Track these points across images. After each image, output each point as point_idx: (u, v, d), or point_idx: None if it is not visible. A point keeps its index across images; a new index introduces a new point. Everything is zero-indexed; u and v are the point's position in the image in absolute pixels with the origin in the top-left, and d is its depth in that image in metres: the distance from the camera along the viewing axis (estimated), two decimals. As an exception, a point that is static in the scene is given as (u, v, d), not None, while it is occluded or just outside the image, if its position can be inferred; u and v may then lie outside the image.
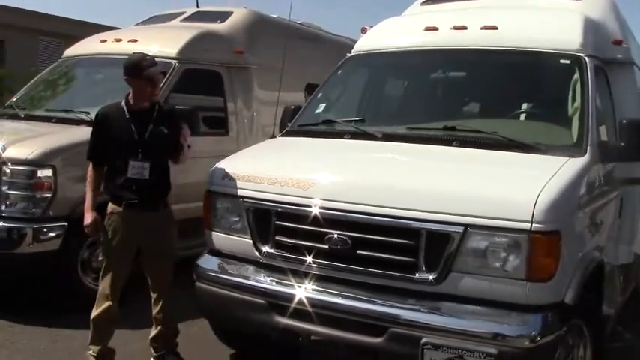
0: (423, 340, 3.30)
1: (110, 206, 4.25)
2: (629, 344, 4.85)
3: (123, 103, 4.25)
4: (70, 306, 5.39)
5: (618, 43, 5.05)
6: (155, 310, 4.41)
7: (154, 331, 4.45)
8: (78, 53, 7.45)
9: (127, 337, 4.79)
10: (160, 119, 4.24)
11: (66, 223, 5.46)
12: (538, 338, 3.22)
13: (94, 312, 4.26)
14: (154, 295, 4.39)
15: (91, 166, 4.31)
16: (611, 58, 4.89)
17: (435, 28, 4.95)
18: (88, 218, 4.23)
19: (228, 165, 4.22)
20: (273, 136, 4.92)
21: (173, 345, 4.49)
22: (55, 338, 5.04)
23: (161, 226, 4.28)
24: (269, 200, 3.83)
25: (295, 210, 3.72)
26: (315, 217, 3.65)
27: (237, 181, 4.01)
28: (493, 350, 3.19)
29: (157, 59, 6.17)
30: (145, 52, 6.25)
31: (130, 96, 4.25)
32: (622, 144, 4.07)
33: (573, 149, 3.88)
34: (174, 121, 4.35)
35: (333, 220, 3.60)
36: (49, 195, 5.39)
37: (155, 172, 4.17)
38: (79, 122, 6.03)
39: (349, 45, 9.84)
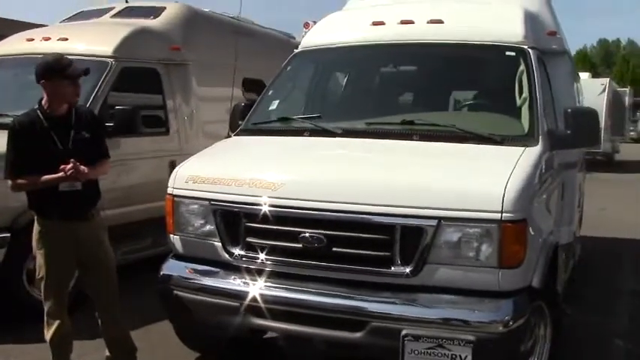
0: (403, 332, 3.38)
1: (39, 222, 3.99)
2: (577, 320, 5.13)
3: (37, 111, 3.94)
4: (17, 319, 5.18)
5: (553, 34, 5.32)
6: (106, 332, 4.19)
7: (108, 353, 4.24)
8: (2, 53, 7.06)
9: (85, 348, 4.65)
10: (79, 123, 3.98)
11: (8, 234, 5.24)
12: (511, 323, 3.37)
13: (47, 333, 4.05)
14: (101, 316, 4.15)
15: (10, 182, 3.95)
16: (547, 48, 5.12)
17: (382, 23, 5.02)
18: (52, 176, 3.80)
19: (191, 167, 4.15)
20: (228, 136, 4.86)
21: None
22: (7, 355, 4.83)
23: (95, 233, 4.07)
24: (238, 202, 3.79)
25: (266, 211, 3.70)
26: (288, 216, 3.66)
27: (203, 184, 3.95)
28: (471, 337, 3.31)
29: (92, 58, 6.12)
30: (78, 52, 6.15)
31: (44, 101, 3.94)
32: (568, 132, 4.27)
33: (526, 139, 4.05)
34: (94, 124, 4.13)
35: (306, 219, 3.62)
36: (-12, 206, 5.13)
37: (85, 180, 3.91)
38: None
39: (283, 39, 9.94)
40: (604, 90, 21.55)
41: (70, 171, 3.76)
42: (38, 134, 3.89)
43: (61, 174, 3.77)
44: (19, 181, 3.92)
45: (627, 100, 26.98)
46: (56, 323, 4.02)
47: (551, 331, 4.01)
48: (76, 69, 3.93)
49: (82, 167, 3.80)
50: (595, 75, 36.57)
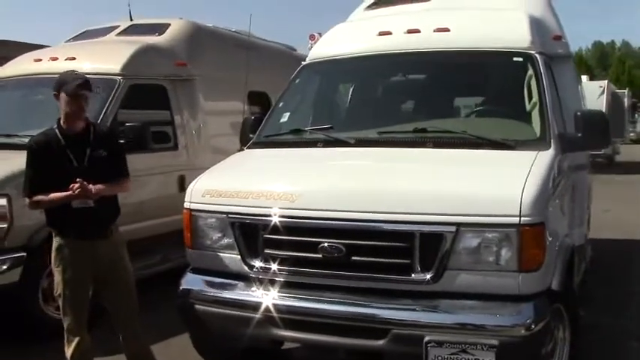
0: (426, 338, 3.40)
1: (56, 240, 4.01)
2: (591, 321, 5.15)
3: (55, 129, 3.99)
4: (33, 338, 5.20)
5: (558, 38, 5.37)
6: (127, 348, 4.20)
7: None
8: (10, 74, 7.11)
9: (105, 365, 4.67)
10: (97, 141, 4.01)
11: (24, 253, 5.27)
12: (533, 326, 3.40)
13: (68, 350, 4.06)
14: (122, 331, 4.17)
15: (27, 200, 4.01)
16: (553, 53, 5.17)
17: (389, 33, 5.08)
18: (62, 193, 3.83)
19: (207, 181, 4.18)
20: (240, 149, 4.89)
21: None
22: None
23: (113, 251, 4.09)
24: (256, 214, 3.83)
25: (285, 222, 3.74)
26: (307, 227, 3.70)
27: (220, 198, 3.98)
28: (494, 342, 3.34)
29: (100, 76, 6.17)
30: (87, 71, 6.20)
31: (62, 120, 4.00)
32: (579, 134, 4.31)
33: (539, 143, 4.09)
34: (113, 142, 4.16)
35: (325, 229, 3.65)
36: (4, 225, 5.17)
37: (100, 198, 3.92)
38: (24, 147, 5.76)
39: (284, 51, 10.00)
40: (603, 92, 21.67)
41: (78, 190, 3.79)
42: (55, 152, 3.94)
43: (70, 192, 3.81)
44: (35, 198, 3.97)
45: (626, 101, 27.09)
46: (76, 340, 4.03)
47: (570, 334, 4.03)
48: (72, 85, 3.88)
49: (91, 186, 3.81)
50: (591, 77, 36.72)
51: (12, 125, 6.39)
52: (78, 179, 3.79)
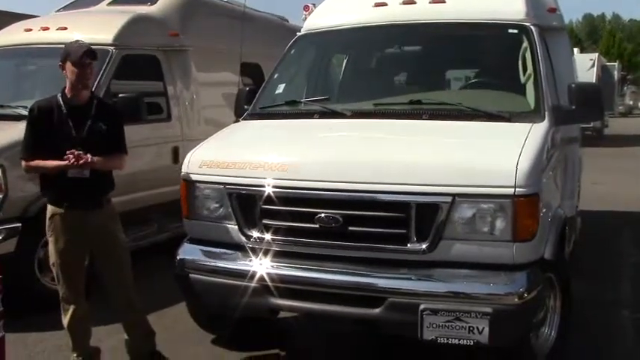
0: (422, 306, 3.47)
1: (50, 209, 4.05)
2: (581, 291, 5.24)
3: (59, 97, 4.01)
4: (30, 308, 5.23)
5: (553, 10, 5.38)
6: (123, 317, 4.26)
7: (126, 337, 4.31)
8: (0, 44, 7.03)
9: (102, 333, 4.71)
10: (98, 114, 4.03)
11: (19, 224, 5.28)
12: (526, 294, 3.47)
13: (64, 318, 4.14)
14: (117, 301, 4.21)
15: (24, 163, 4.04)
16: (547, 25, 5.18)
17: (384, 4, 5.06)
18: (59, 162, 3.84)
19: (204, 152, 4.20)
20: (236, 121, 4.90)
21: (151, 348, 4.33)
22: (25, 343, 4.88)
23: (106, 222, 4.12)
24: (253, 185, 3.85)
25: (282, 193, 3.77)
26: (304, 198, 3.73)
27: (217, 168, 4.00)
28: (488, 309, 3.41)
29: (92, 46, 6.11)
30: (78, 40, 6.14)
31: (67, 89, 4.01)
32: (573, 107, 4.35)
33: (533, 115, 4.13)
34: (114, 118, 4.16)
35: (323, 200, 3.69)
36: (-1, 196, 5.16)
37: (96, 169, 3.96)
38: (18, 118, 5.73)
39: (277, 22, 9.93)
40: (593, 65, 21.73)
41: (73, 159, 3.80)
42: (56, 119, 3.97)
43: (65, 161, 3.83)
44: (32, 163, 4.01)
45: (616, 74, 27.16)
46: (71, 308, 4.10)
47: (561, 302, 4.12)
48: (77, 52, 3.90)
49: (87, 156, 3.82)
50: (581, 50, 36.73)
51: (4, 96, 6.35)
52: (72, 150, 3.81)
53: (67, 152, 3.81)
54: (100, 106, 4.10)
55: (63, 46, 4.06)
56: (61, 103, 3.99)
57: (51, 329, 4.73)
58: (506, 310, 3.44)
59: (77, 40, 4.17)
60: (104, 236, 4.11)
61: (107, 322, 4.72)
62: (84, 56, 3.91)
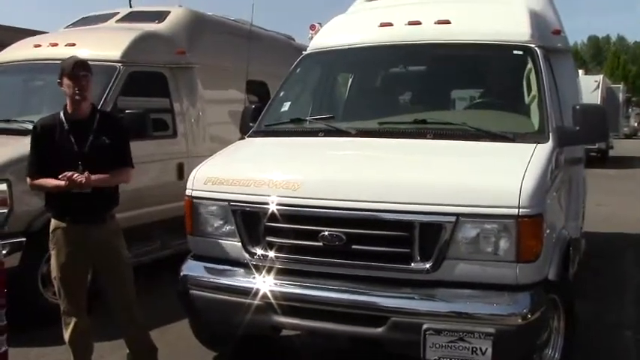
0: (425, 326, 3.46)
1: (53, 222, 4.07)
2: (585, 312, 5.23)
3: (61, 114, 4.05)
4: (32, 323, 5.23)
5: (557, 32, 5.41)
6: (125, 332, 4.25)
7: (128, 353, 4.30)
8: (9, 59, 7.10)
9: (105, 349, 4.71)
10: (100, 129, 4.04)
11: (24, 238, 5.30)
12: (529, 315, 3.46)
13: (65, 333, 4.13)
14: (119, 316, 4.20)
15: (29, 180, 4.08)
16: (552, 47, 5.21)
17: (390, 24, 5.10)
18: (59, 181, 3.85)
19: (209, 169, 4.22)
20: (241, 138, 4.92)
21: None
22: (26, 357, 4.87)
23: (109, 237, 4.12)
24: (258, 202, 3.86)
25: (287, 210, 3.78)
26: (307, 216, 3.74)
27: (222, 185, 4.02)
28: (491, 330, 3.39)
29: (100, 63, 6.18)
30: (86, 57, 6.19)
31: (67, 105, 4.04)
32: (577, 128, 4.36)
33: (538, 136, 4.14)
34: (117, 131, 4.18)
35: (326, 218, 3.69)
36: (4, 210, 5.19)
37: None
38: (25, 132, 5.77)
39: (283, 41, 10.01)
40: (598, 86, 21.77)
41: (66, 181, 3.81)
42: (58, 136, 3.99)
43: (62, 181, 3.84)
44: (35, 181, 4.04)
45: (620, 96, 27.20)
46: (73, 322, 4.09)
47: (565, 324, 4.10)
48: (69, 64, 3.94)
49: (82, 176, 3.82)
50: (586, 72, 36.85)
51: (11, 111, 6.40)
52: (66, 172, 3.82)
53: (60, 175, 3.83)
54: (103, 120, 4.10)
55: None
56: (63, 119, 4.02)
57: (53, 344, 4.72)
58: (510, 330, 3.43)
59: (72, 56, 4.19)
60: (107, 251, 4.12)
61: (110, 338, 4.72)
62: (75, 68, 3.94)
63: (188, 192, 4.18)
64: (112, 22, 7.69)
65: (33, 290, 5.39)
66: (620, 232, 9.57)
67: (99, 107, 5.79)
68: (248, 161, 4.38)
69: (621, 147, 26.95)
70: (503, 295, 3.49)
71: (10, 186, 5.22)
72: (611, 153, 24.29)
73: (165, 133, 6.92)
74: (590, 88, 20.82)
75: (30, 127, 5.76)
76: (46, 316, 5.16)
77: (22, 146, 5.46)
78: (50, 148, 3.99)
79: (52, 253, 4.10)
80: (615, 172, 19.24)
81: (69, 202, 3.97)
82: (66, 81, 3.97)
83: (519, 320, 3.44)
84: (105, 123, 4.10)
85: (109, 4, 8.71)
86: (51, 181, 3.92)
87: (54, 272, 4.12)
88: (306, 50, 5.57)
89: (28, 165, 4.11)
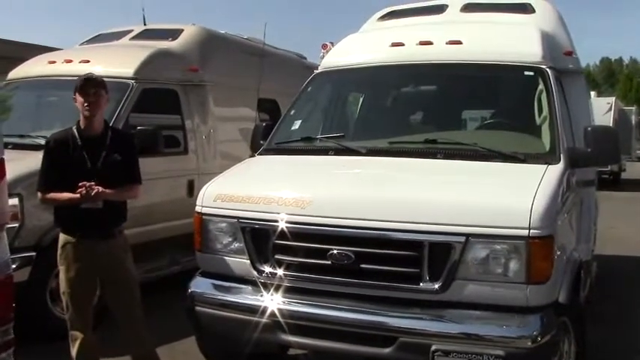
0: (433, 347, 3.43)
1: (62, 238, 4.09)
2: (597, 337, 5.15)
3: (74, 129, 4.09)
4: (40, 338, 5.23)
5: (569, 54, 5.40)
6: (131, 350, 4.25)
7: None
8: (24, 75, 7.19)
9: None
10: (113, 145, 4.09)
11: (34, 253, 5.31)
12: (539, 338, 3.42)
13: (72, 349, 4.13)
14: (126, 333, 4.21)
15: (40, 194, 4.12)
16: (564, 68, 5.20)
17: (402, 44, 5.11)
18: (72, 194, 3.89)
19: (218, 186, 4.22)
20: (251, 156, 4.94)
21: None
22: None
23: (118, 253, 4.14)
24: (267, 220, 3.86)
25: (296, 228, 3.77)
26: (316, 234, 3.73)
27: (231, 202, 4.02)
28: (501, 352, 3.36)
29: (113, 79, 6.23)
30: (100, 73, 6.25)
31: (81, 121, 4.09)
32: (589, 150, 4.33)
33: (548, 157, 4.12)
34: (128, 147, 4.22)
35: (335, 237, 3.68)
36: (15, 225, 5.20)
37: (109, 200, 4.01)
38: (37, 147, 5.82)
39: (295, 59, 10.07)
40: (610, 109, 21.70)
41: (84, 192, 3.85)
42: (71, 152, 4.03)
43: (76, 195, 3.88)
44: (47, 196, 4.08)
45: (633, 118, 27.08)
46: (79, 338, 4.10)
47: (575, 348, 4.04)
48: (83, 84, 4.01)
49: (97, 188, 3.86)
50: (599, 94, 36.76)
51: (25, 126, 6.46)
52: (83, 182, 3.85)
53: (79, 185, 3.85)
54: (115, 137, 4.15)
55: None
56: (76, 135, 4.05)
57: (59, 359, 4.71)
58: (519, 353, 3.39)
59: (87, 73, 4.25)
60: (115, 267, 4.13)
61: (116, 354, 4.70)
62: (85, 84, 4.01)
63: (198, 208, 4.19)
64: (126, 39, 7.78)
65: (41, 305, 5.39)
66: (632, 256, 9.47)
67: (111, 123, 5.88)
68: (258, 179, 4.39)
69: (634, 170, 26.75)
70: (513, 317, 3.46)
71: (21, 200, 5.24)
72: (624, 176, 24.13)
73: (176, 150, 6.95)
74: (603, 110, 20.77)
75: (43, 142, 5.86)
76: (53, 332, 5.16)
77: (34, 161, 5.48)
78: (63, 163, 4.03)
79: (61, 268, 4.11)
80: (628, 195, 19.09)
81: (79, 218, 4.00)
82: (79, 97, 4.03)
83: (529, 343, 3.40)
84: (117, 140, 4.14)
85: (124, 22, 8.81)
86: (64, 195, 3.95)
87: (62, 287, 4.13)
88: (317, 69, 5.59)
89: (39, 179, 4.14)
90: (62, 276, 4.11)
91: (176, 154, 6.95)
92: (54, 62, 7.05)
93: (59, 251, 4.10)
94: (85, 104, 4.00)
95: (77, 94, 4.03)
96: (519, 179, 3.85)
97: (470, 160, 4.13)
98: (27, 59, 7.61)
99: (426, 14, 5.90)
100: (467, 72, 4.87)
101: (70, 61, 6.88)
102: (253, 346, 3.89)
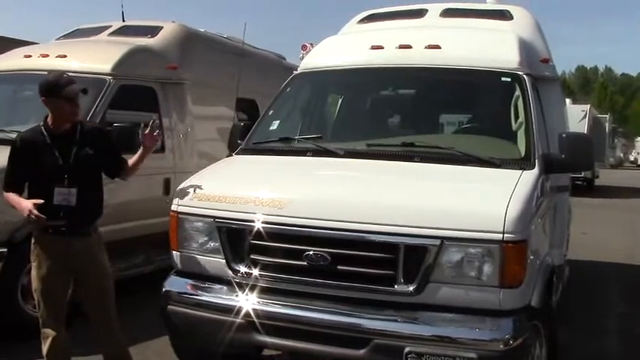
0: (407, 349, 3.45)
1: (35, 235, 4.05)
2: (568, 341, 5.23)
3: (42, 127, 4.02)
4: (10, 336, 5.16)
5: (546, 61, 5.47)
6: (103, 348, 4.21)
7: None
8: (-1, 69, 7.08)
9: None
10: (83, 140, 4.03)
11: (5, 249, 5.23)
12: (511, 341, 3.45)
13: (44, 347, 4.06)
14: (98, 331, 4.16)
15: (4, 193, 4.05)
16: (540, 75, 5.26)
17: (381, 47, 5.13)
18: (28, 205, 3.82)
19: (195, 185, 4.20)
20: (229, 155, 4.92)
21: None
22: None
23: (92, 250, 4.09)
24: (243, 220, 3.85)
25: (271, 229, 3.77)
26: (292, 235, 3.72)
27: (208, 202, 4.01)
28: (473, 355, 3.39)
29: (90, 75, 6.18)
30: (77, 69, 6.20)
31: (49, 118, 4.01)
32: (563, 156, 4.39)
33: (523, 162, 4.17)
34: (101, 139, 4.18)
35: (311, 238, 3.68)
36: (-14, 220, 5.13)
37: (83, 197, 3.96)
38: (10, 142, 5.74)
39: (274, 60, 10.04)
40: (585, 116, 21.99)
41: (32, 217, 3.79)
42: (41, 150, 3.96)
43: (26, 208, 3.81)
44: (6, 196, 4.02)
45: (607, 126, 27.50)
46: (50, 337, 4.03)
47: (547, 351, 4.09)
48: (73, 89, 3.96)
49: (42, 217, 3.78)
50: (574, 101, 37.24)
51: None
52: (35, 211, 3.77)
53: (29, 211, 3.76)
54: (85, 131, 4.08)
55: None
56: (45, 132, 3.99)
57: (31, 358, 4.65)
58: (492, 356, 3.42)
59: (63, 72, 4.23)
60: (88, 264, 4.08)
61: (88, 353, 4.63)
62: (76, 90, 3.97)
63: (174, 207, 4.16)
64: (104, 35, 7.69)
65: (12, 302, 5.31)
66: (604, 261, 9.62)
67: (87, 119, 5.82)
68: (235, 178, 4.37)
69: (607, 177, 27.19)
70: (486, 320, 3.49)
71: (-9, 196, 5.14)
72: (597, 182, 24.49)
73: (153, 148, 6.87)
74: (578, 117, 21.04)
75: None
76: (24, 330, 5.08)
77: (5, 156, 5.45)
78: (33, 162, 3.97)
79: (34, 264, 4.06)
80: (601, 202, 19.38)
81: (52, 214, 3.92)
82: (58, 101, 3.94)
83: (501, 346, 3.44)
84: (87, 134, 4.08)
85: (101, 18, 8.73)
86: (18, 203, 3.91)
87: (34, 284, 4.06)
88: (296, 70, 5.59)
89: (3, 178, 4.07)
90: (34, 273, 4.05)
91: (153, 152, 6.87)
92: (30, 56, 6.94)
93: (32, 247, 4.05)
94: (73, 108, 3.97)
95: (60, 99, 3.92)
96: (494, 184, 3.89)
97: (446, 164, 4.16)
98: (0, 53, 7.50)
99: (406, 18, 5.93)
100: (445, 76, 4.91)
101: (46, 56, 6.78)
102: (228, 346, 3.87)
